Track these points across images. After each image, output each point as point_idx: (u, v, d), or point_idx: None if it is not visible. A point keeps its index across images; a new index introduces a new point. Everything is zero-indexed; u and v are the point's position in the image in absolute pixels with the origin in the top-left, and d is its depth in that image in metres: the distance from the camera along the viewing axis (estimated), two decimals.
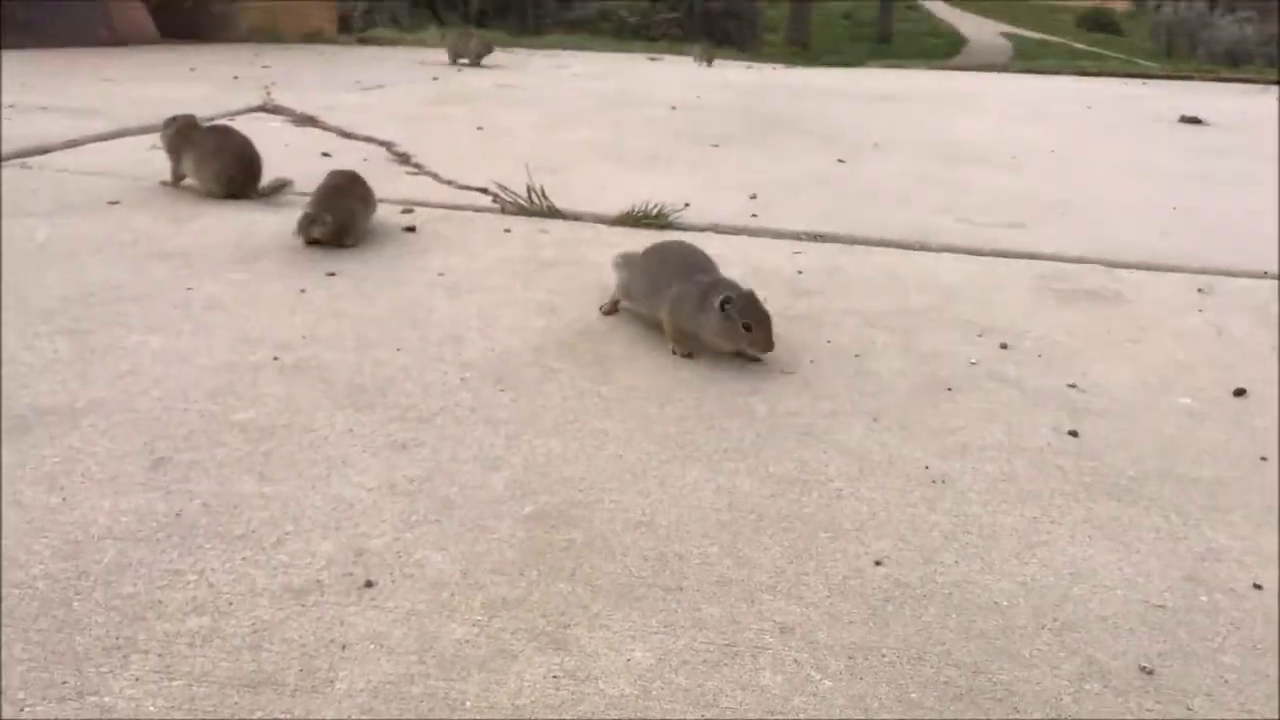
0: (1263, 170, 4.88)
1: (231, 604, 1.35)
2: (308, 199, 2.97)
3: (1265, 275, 3.03)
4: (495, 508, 1.60)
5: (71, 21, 8.43)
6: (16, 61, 6.84)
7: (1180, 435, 1.99)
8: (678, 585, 1.44)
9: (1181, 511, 1.71)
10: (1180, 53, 26.59)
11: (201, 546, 1.47)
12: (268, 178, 3.40)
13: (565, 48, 12.80)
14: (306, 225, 2.83)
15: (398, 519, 1.56)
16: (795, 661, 1.29)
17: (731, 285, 2.20)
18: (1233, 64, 22.76)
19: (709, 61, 10.57)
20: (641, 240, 3.12)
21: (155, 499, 1.58)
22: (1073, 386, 2.18)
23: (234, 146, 3.37)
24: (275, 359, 2.11)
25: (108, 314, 2.30)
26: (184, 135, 3.37)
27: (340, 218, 2.84)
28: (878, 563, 1.52)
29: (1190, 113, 6.93)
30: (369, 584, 1.40)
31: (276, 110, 5.09)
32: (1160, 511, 1.70)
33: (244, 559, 1.45)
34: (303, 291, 2.51)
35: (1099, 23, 37.43)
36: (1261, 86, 10.84)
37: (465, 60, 8.12)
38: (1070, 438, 1.95)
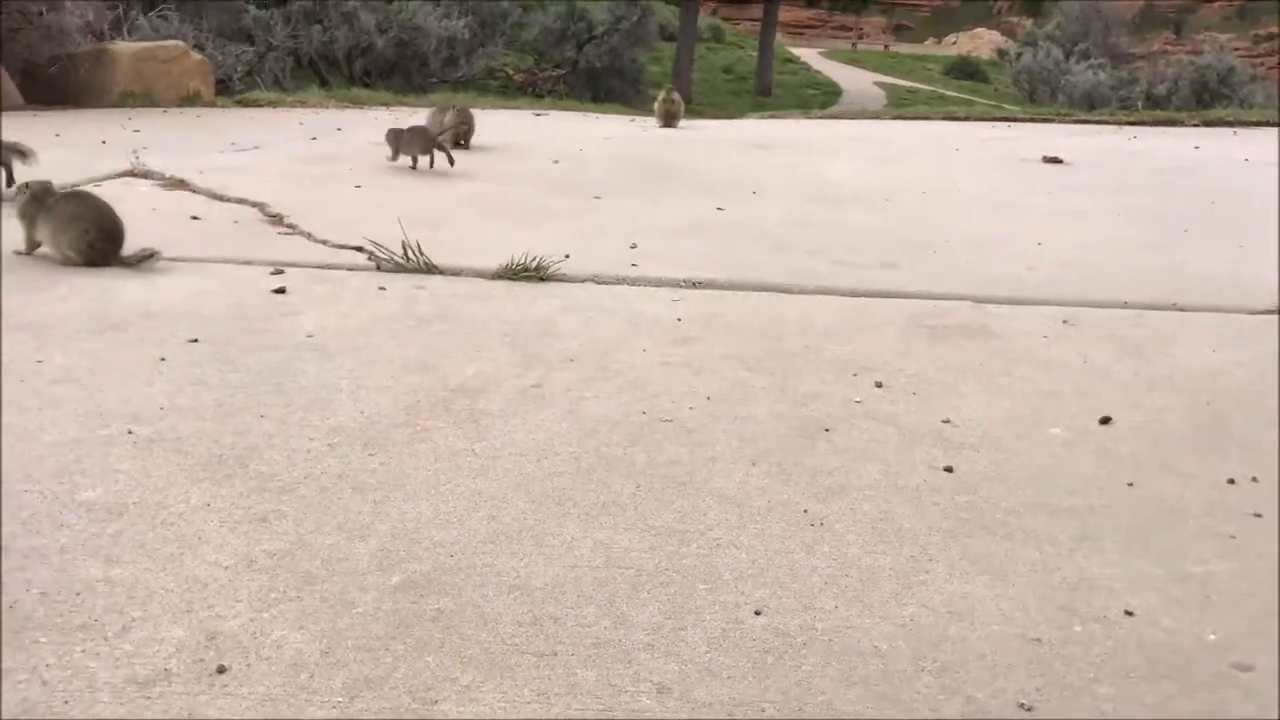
0: (1116, 203, 5.11)
1: (67, 702, 1.24)
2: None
3: (1125, 305, 3.14)
4: (360, 579, 1.53)
5: None
6: None
7: (1051, 465, 2.02)
8: (552, 650, 1.38)
9: (1055, 542, 1.73)
10: (1041, 98, 27.95)
11: (37, 640, 1.36)
12: (136, 244, 3.26)
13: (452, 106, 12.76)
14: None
15: (255, 598, 1.47)
16: None
17: None
18: (1090, 107, 24.01)
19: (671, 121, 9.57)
20: (520, 293, 3.09)
21: None
22: (947, 422, 2.21)
23: (93, 212, 3.23)
24: (129, 432, 2.00)
25: None
26: (39, 202, 3.22)
27: None
28: (757, 612, 1.49)
29: (1051, 153, 7.25)
30: (221, 669, 1.31)
31: (146, 174, 4.92)
32: (1034, 543, 1.72)
33: (84, 651, 1.34)
34: (162, 360, 2.39)
35: (965, 71, 39.19)
36: (1115, 127, 11.44)
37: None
38: (945, 474, 1.97)
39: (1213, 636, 1.47)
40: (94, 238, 3.19)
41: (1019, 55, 32.46)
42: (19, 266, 3.18)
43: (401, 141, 5.49)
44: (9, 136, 6.18)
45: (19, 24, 10.15)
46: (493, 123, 7.61)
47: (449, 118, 6.45)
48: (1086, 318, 3.01)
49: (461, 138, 6.47)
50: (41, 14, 10.22)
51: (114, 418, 2.06)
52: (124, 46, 10.87)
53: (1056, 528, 1.78)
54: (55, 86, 10.11)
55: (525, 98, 21.97)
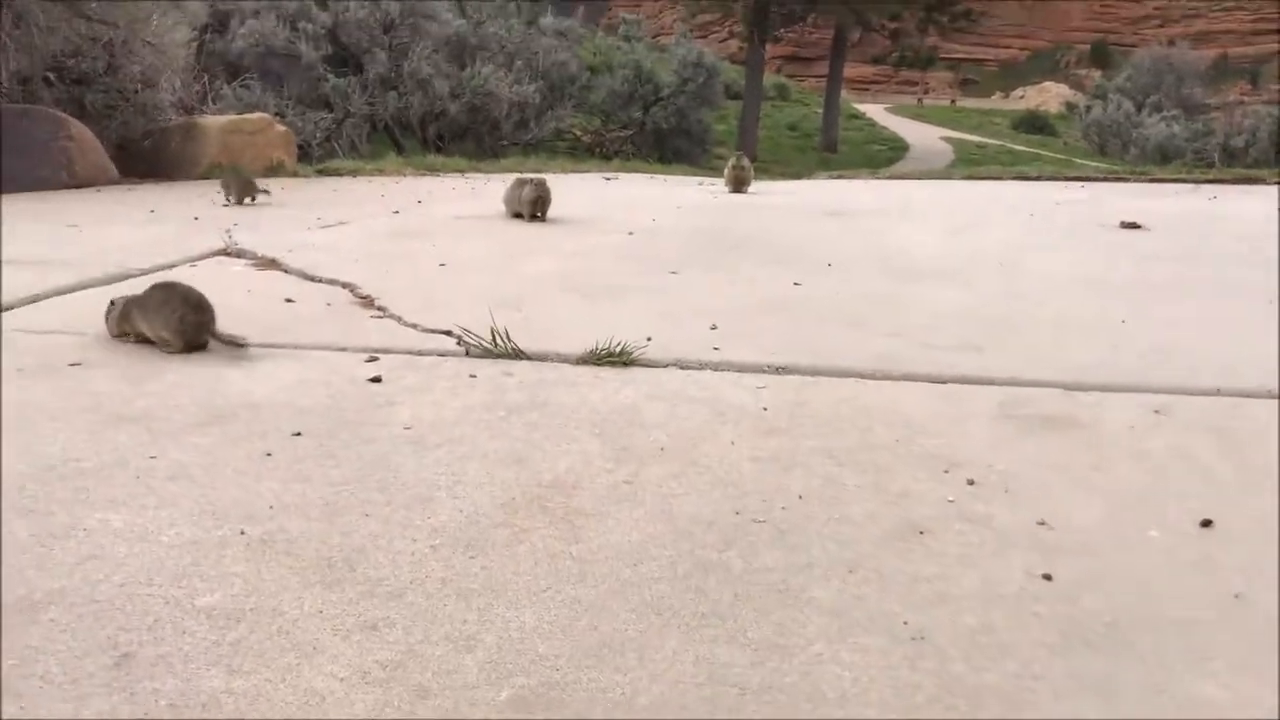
0: (1201, 275, 5.04)
1: None
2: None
3: (1219, 393, 3.09)
4: (470, 694, 1.57)
5: (34, 166, 8.50)
6: None
7: (1152, 573, 2.00)
8: None
9: (1162, 660, 1.70)
10: (1112, 151, 27.66)
11: None
12: (235, 328, 3.39)
13: (523, 170, 13.04)
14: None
15: (372, 712, 1.52)
16: None
17: None
18: (1164, 160, 23.65)
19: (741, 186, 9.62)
20: (606, 379, 3.14)
21: (119, 702, 1.53)
22: (1042, 524, 2.20)
23: (176, 295, 3.36)
24: (241, 533, 2.08)
25: (68, 490, 2.25)
26: (129, 304, 3.40)
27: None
28: None
29: (1129, 217, 7.17)
30: None
31: (239, 253, 5.11)
32: (1140, 660, 1.70)
33: None
34: (268, 455, 2.48)
35: (1034, 125, 38.94)
36: (1193, 185, 11.27)
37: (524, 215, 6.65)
38: (1044, 581, 1.96)
39: None
40: (183, 313, 3.33)
41: (1088, 108, 32.27)
42: (127, 355, 3.33)
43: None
44: (105, 210, 6.48)
45: (116, 101, 10.67)
46: (564, 188, 7.74)
47: (527, 191, 6.60)
48: (1179, 406, 2.97)
49: (539, 210, 6.60)
50: (137, 91, 10.73)
51: (227, 517, 2.14)
52: (212, 120, 11.32)
53: (1163, 643, 1.75)
54: (147, 159, 10.57)
55: (593, 159, 22.36)
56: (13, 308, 3.91)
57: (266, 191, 7.62)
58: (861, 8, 32.90)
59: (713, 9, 35.13)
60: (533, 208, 6.57)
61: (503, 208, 6.88)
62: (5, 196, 7.99)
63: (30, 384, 2.97)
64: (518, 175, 7.17)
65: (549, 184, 6.79)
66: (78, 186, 8.86)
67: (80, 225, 6.17)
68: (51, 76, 10.02)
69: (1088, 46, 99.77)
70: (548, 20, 26.05)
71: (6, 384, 2.97)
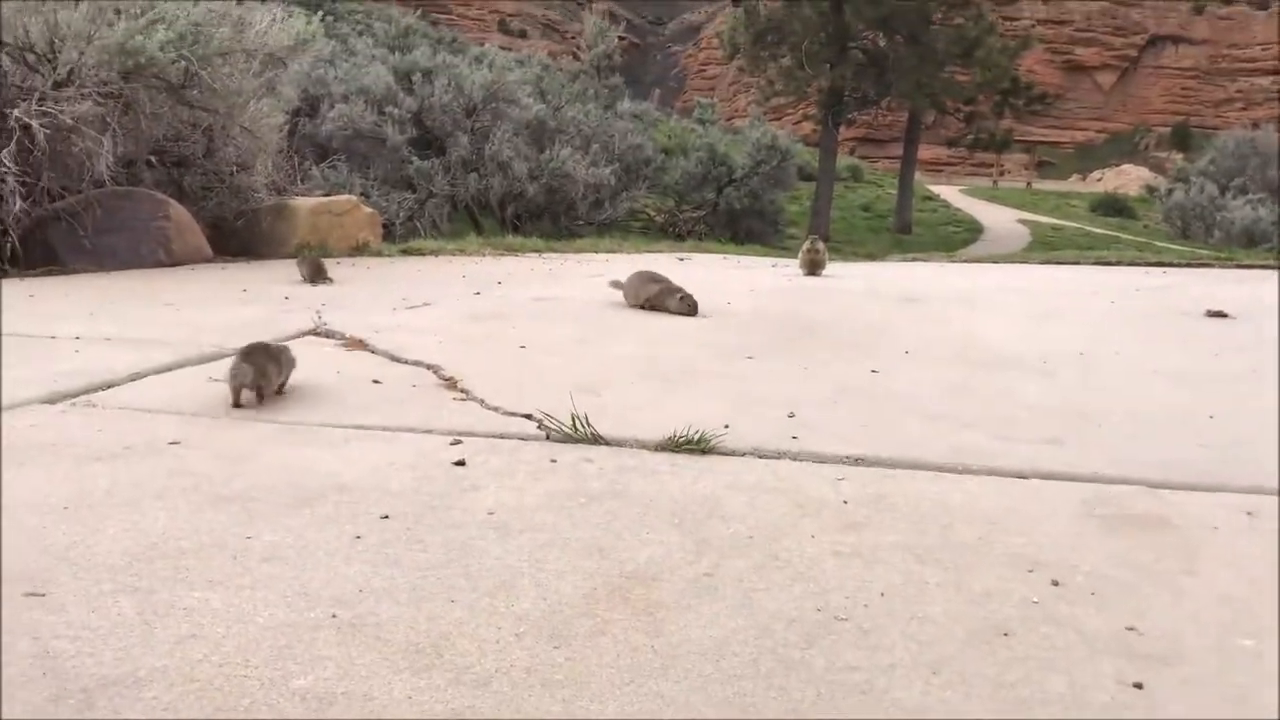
0: None
1: None
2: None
3: None
4: None
5: (135, 245, 8.92)
6: (83, 287, 7.21)
7: (1248, 686, 1.95)
8: None
9: None
10: (1195, 235, 27.18)
11: None
12: (327, 409, 3.55)
13: (598, 250, 13.29)
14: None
15: None
16: None
17: None
18: (1249, 244, 23.17)
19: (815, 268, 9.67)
20: (684, 467, 3.18)
21: None
22: (1131, 629, 2.16)
23: (258, 349, 3.90)
24: (333, 616, 2.14)
25: (169, 569, 2.35)
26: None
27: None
28: None
29: (1215, 305, 7.04)
30: None
31: (328, 334, 5.29)
32: None
33: None
34: (358, 538, 2.56)
35: (1113, 208, 38.48)
36: None
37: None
38: (1135, 690, 1.92)
39: None
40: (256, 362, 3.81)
41: (1170, 191, 31.84)
42: (223, 433, 3.46)
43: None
44: (200, 289, 6.77)
45: (212, 183, 11.17)
46: (637, 269, 7.83)
47: (654, 290, 6.56)
48: (1271, 508, 2.90)
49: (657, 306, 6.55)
50: (233, 173, 11.22)
51: (318, 600, 2.21)
52: (302, 201, 11.75)
53: None
54: (239, 238, 11.01)
55: (666, 239, 22.63)
56: (117, 384, 4.09)
57: (331, 280, 7.85)
58: (935, 92, 33.12)
59: (786, 93, 35.59)
60: (653, 303, 6.59)
61: (580, 290, 7.01)
62: (106, 274, 8.39)
63: (136, 463, 3.11)
64: (639, 270, 7.07)
65: (676, 282, 6.70)
66: (174, 265, 9.26)
67: (176, 305, 6.44)
68: (153, 159, 10.54)
69: (1168, 129, 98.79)
70: (625, 105, 26.72)
71: (114, 461, 3.11)
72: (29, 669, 1.90)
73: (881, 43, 34.37)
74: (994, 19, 34.70)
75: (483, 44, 38.08)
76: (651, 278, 6.81)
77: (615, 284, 7.08)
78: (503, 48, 32.19)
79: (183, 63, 9.51)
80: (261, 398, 3.81)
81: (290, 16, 11.42)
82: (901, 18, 32.16)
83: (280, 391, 3.91)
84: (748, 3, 34.67)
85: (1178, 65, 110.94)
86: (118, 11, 9.63)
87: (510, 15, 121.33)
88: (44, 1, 9.20)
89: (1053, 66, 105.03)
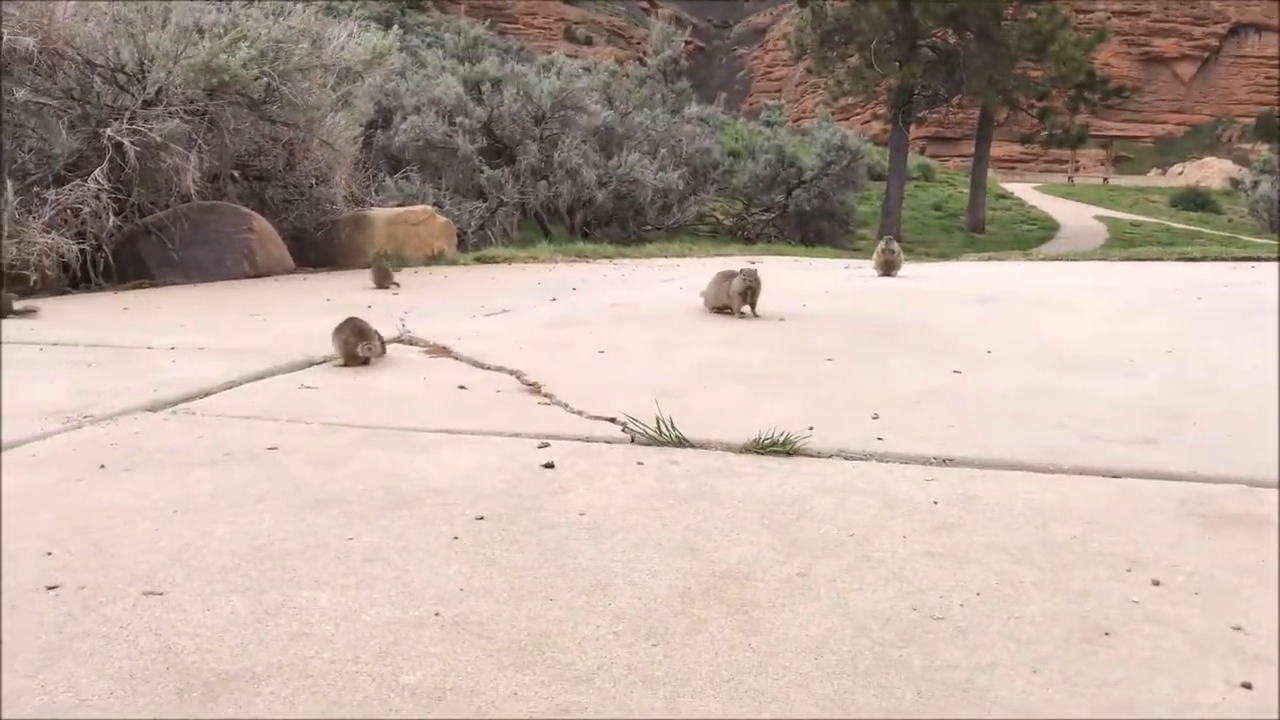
0: None
1: None
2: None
3: None
4: None
5: (220, 257, 9.19)
6: (173, 299, 7.45)
7: None
8: None
9: None
10: None
11: None
12: (419, 417, 3.62)
13: (668, 255, 13.33)
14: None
15: None
16: None
17: None
18: None
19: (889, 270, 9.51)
20: (770, 469, 3.19)
21: None
22: (1238, 629, 2.12)
23: (347, 324, 4.88)
24: (436, 614, 2.20)
25: (276, 569, 2.43)
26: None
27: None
28: None
29: None
30: None
31: (412, 341, 5.41)
32: None
33: None
34: (455, 539, 2.62)
35: (1194, 202, 37.39)
36: None
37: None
38: (1244, 690, 1.89)
39: None
40: (346, 335, 4.76)
41: (1255, 184, 30.84)
42: (318, 439, 3.56)
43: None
44: (284, 299, 6.94)
45: (293, 196, 11.46)
46: (707, 273, 7.84)
47: (736, 284, 6.42)
48: None
49: (749, 302, 6.44)
50: (312, 186, 11.50)
51: (421, 598, 2.27)
52: (379, 212, 11.99)
53: None
54: (319, 249, 11.27)
55: (735, 242, 22.59)
56: (213, 393, 4.24)
57: (397, 285, 8.50)
58: (1008, 89, 32.56)
59: (855, 93, 35.27)
60: (742, 300, 6.42)
61: (653, 295, 7.04)
62: (194, 286, 8.65)
63: (237, 468, 3.22)
64: (721, 270, 6.84)
65: (759, 274, 6.48)
66: (258, 276, 9.52)
67: (263, 315, 6.63)
68: (236, 174, 10.87)
69: (1252, 120, 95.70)
70: (691, 109, 26.72)
71: (216, 466, 3.23)
72: (153, 664, 1.99)
73: (951, 40, 33.88)
74: (1067, 12, 33.99)
75: (549, 52, 38.42)
76: (725, 274, 6.69)
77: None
78: (569, 55, 32.36)
79: (264, 79, 9.79)
80: (366, 360, 4.72)
81: (366, 30, 11.68)
82: (972, 14, 31.67)
83: (383, 353, 4.84)
84: (814, 3, 34.40)
85: (1261, 54, 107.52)
86: (201, 31, 9.95)
87: (576, 23, 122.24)
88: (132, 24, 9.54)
89: (1129, 59, 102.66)
